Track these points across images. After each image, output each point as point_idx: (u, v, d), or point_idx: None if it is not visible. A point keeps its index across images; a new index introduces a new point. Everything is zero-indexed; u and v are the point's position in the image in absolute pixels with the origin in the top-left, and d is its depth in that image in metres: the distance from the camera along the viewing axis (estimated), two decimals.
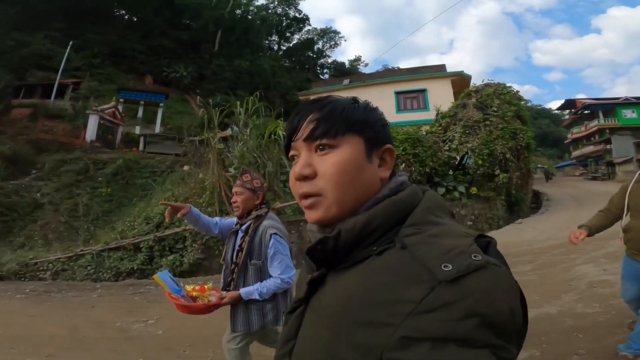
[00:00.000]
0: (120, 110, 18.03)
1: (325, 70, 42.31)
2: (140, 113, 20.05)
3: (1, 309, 5.20)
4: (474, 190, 9.66)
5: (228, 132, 14.40)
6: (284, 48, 42.29)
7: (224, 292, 1.91)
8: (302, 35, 42.66)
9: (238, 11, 37.31)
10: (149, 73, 27.80)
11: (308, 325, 0.57)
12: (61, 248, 9.06)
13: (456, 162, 10.27)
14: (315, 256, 0.57)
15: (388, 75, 16.67)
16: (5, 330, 4.15)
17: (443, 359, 0.40)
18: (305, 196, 0.58)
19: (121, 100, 18.89)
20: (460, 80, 14.81)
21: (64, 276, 7.68)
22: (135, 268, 7.42)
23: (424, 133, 10.39)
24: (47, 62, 22.52)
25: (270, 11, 39.69)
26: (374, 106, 0.65)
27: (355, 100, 0.63)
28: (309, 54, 42.54)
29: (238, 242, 1.99)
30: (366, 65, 45.91)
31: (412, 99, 15.45)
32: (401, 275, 0.46)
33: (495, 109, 10.52)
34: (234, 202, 2.03)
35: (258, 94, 10.61)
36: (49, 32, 25.17)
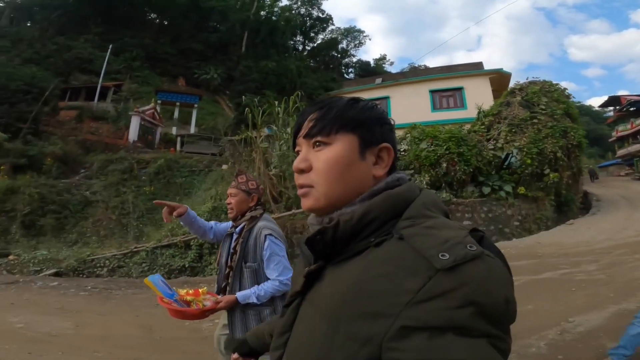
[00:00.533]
0: (158, 111, 18.68)
1: (350, 70, 42.12)
2: (176, 114, 20.69)
3: (70, 307, 5.29)
4: (521, 190, 9.38)
5: (264, 131, 14.68)
6: (309, 48, 42.41)
7: (219, 296, 1.85)
8: (326, 35, 42.66)
9: (262, 13, 37.78)
10: (181, 75, 28.60)
11: (305, 318, 0.58)
12: (115, 245, 9.49)
13: (500, 162, 10.00)
14: (314, 246, 0.58)
15: (422, 73, 16.41)
16: (82, 331, 4.19)
17: (441, 347, 0.40)
18: (301, 186, 0.62)
19: (159, 101, 19.56)
20: (498, 78, 14.39)
21: (119, 273, 7.99)
22: (187, 265, 7.66)
23: (466, 131, 10.18)
24: (88, 66, 23.62)
25: (293, 12, 39.93)
26: (373, 105, 0.66)
27: (354, 100, 0.65)
28: (333, 54, 42.45)
29: (232, 244, 1.93)
30: (392, 63, 45.40)
31: (448, 98, 15.16)
32: (399, 265, 0.47)
33: (543, 107, 10.17)
34: (228, 204, 1.98)
35: (299, 93, 10.72)
36: (89, 37, 26.38)
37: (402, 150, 10.22)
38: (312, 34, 42.12)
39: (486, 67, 16.30)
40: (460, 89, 14.78)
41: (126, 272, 7.90)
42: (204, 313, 1.73)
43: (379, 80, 17.24)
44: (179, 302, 1.66)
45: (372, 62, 43.86)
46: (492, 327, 0.42)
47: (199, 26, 33.24)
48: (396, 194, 0.57)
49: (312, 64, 39.57)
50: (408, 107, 15.09)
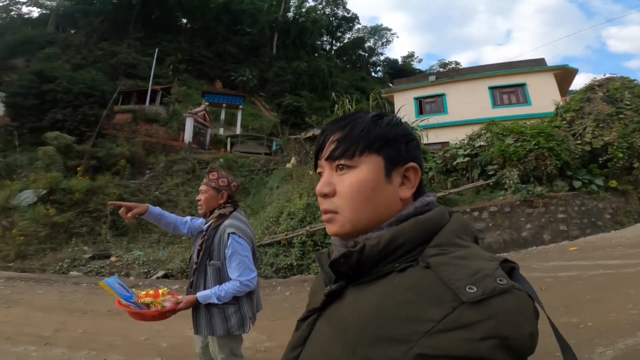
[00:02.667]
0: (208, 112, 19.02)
1: (378, 68, 42.05)
2: (222, 115, 21.02)
3: None
4: (613, 183, 9.30)
5: (314, 131, 14.77)
6: (335, 48, 42.55)
7: (180, 297, 1.83)
8: (352, 34, 42.76)
9: (290, 14, 38.15)
10: (218, 78, 29.06)
11: (320, 335, 0.57)
12: None
13: (588, 156, 9.86)
14: (337, 269, 0.57)
15: (477, 70, 16.25)
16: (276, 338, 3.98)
17: None
18: (325, 212, 0.60)
19: (206, 103, 19.91)
20: (563, 74, 14.12)
21: None
22: (294, 264, 7.69)
23: (550, 127, 10.06)
24: (133, 70, 24.26)
25: (319, 12, 40.18)
26: (399, 121, 0.63)
27: (379, 116, 0.62)
28: (360, 53, 42.48)
29: (199, 241, 1.92)
30: (420, 61, 45.24)
31: (509, 94, 14.96)
32: (424, 294, 0.46)
33: (627, 102, 10.04)
34: (198, 200, 1.97)
35: (379, 92, 10.76)
36: (130, 42, 27.09)
37: (477, 146, 10.17)
38: (338, 34, 42.35)
39: (520, 58, 16.01)
40: (522, 85, 14.56)
41: None
42: (163, 314, 1.70)
43: (432, 78, 17.13)
44: (137, 304, 1.64)
45: (399, 60, 43.64)
46: None
47: (231, 29, 33.79)
48: (427, 219, 0.55)
49: (339, 64, 39.70)
50: (465, 104, 14.95)
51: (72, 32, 27.78)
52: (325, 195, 0.60)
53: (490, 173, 9.56)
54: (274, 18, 34.70)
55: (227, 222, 1.86)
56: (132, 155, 14.12)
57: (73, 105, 15.50)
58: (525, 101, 14.36)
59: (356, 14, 42.77)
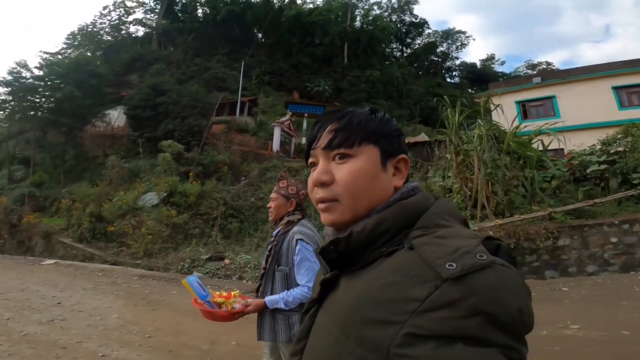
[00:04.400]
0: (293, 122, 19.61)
1: (454, 74, 40.01)
2: (304, 125, 21.57)
3: None
4: None
5: (421, 137, 14.22)
6: (406, 54, 41.55)
7: (250, 300, 1.86)
8: (422, 39, 41.39)
9: (357, 23, 38.27)
10: (294, 89, 30.08)
11: (320, 325, 0.58)
12: None
13: None
14: (327, 256, 0.57)
15: (578, 72, 14.34)
16: None
17: (450, 356, 0.40)
18: (322, 200, 0.60)
19: (290, 113, 20.58)
20: None
21: None
22: None
23: None
24: (223, 84, 26.24)
25: (385, 20, 39.67)
26: (390, 117, 0.65)
27: (372, 110, 0.64)
28: (432, 58, 40.86)
29: (269, 247, 1.96)
30: (502, 63, 41.93)
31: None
32: (407, 274, 0.47)
33: None
34: (269, 208, 1.99)
35: (491, 96, 9.93)
36: (219, 57, 29.43)
37: (613, 152, 8.74)
38: (408, 40, 41.38)
39: (622, 58, 13.53)
40: None
41: None
42: (232, 315, 1.75)
43: (537, 80, 15.57)
44: (211, 303, 1.70)
45: (478, 64, 41.01)
46: (504, 337, 0.41)
47: (303, 41, 34.95)
48: (410, 203, 0.57)
49: (412, 71, 38.66)
50: (583, 106, 13.22)
51: (171, 49, 31.17)
52: (323, 184, 0.60)
53: (635, 182, 8.12)
54: (343, 28, 35.09)
55: (295, 228, 1.90)
56: (232, 163, 15.04)
57: (181, 116, 17.12)
58: None
59: (425, 19, 41.41)
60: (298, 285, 1.83)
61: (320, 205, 0.61)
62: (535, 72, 35.28)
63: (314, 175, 0.62)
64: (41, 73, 16.92)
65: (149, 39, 31.80)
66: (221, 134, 18.55)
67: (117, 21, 31.92)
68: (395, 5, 40.77)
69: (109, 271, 7.40)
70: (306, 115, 21.88)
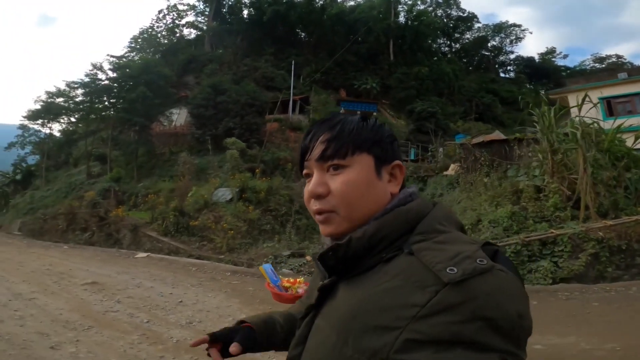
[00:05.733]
0: None
1: (509, 68, 37.86)
2: None
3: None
4: None
5: (495, 135, 13.49)
6: (454, 50, 39.93)
7: None
8: (472, 34, 39.52)
9: (400, 19, 37.26)
10: (341, 87, 29.87)
11: (317, 331, 0.58)
12: None
13: None
14: (326, 262, 0.57)
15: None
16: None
17: None
18: (319, 212, 0.59)
19: (342, 110, 20.40)
20: None
21: None
22: None
23: None
24: (271, 83, 26.62)
25: (430, 15, 38.26)
26: (381, 123, 0.65)
27: (363, 118, 0.64)
28: (483, 53, 38.92)
29: None
30: (565, 57, 38.98)
31: None
32: (408, 280, 0.47)
33: None
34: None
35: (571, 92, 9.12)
36: (267, 57, 29.92)
37: None
38: (456, 35, 39.71)
39: None
40: None
41: None
42: (295, 298, 1.74)
43: (623, 75, 14.28)
44: (280, 287, 1.81)
45: (536, 58, 38.48)
46: (503, 342, 0.41)
47: (347, 39, 34.63)
48: (408, 209, 0.57)
49: (461, 66, 37.11)
50: None
51: (220, 50, 32.13)
52: (319, 196, 0.59)
53: None
54: (387, 25, 34.31)
55: None
56: (292, 160, 15.15)
57: (240, 114, 17.54)
58: None
59: (473, 13, 39.48)
60: None
61: (318, 217, 0.60)
62: (604, 65, 32.50)
63: (310, 187, 0.61)
64: (114, 75, 18.04)
65: (202, 41, 33.01)
66: (276, 131, 18.78)
67: (172, 24, 33.47)
68: (440, 0, 39.32)
69: (200, 266, 7.58)
70: (358, 112, 21.54)
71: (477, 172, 11.63)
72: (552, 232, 6.91)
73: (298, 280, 1.99)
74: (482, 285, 0.42)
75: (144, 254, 8.71)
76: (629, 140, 8.56)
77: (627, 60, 34.04)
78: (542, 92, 33.05)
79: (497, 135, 12.53)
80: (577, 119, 8.70)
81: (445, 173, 13.03)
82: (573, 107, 8.47)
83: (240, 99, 17.93)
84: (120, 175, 15.67)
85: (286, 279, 2.02)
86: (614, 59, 33.89)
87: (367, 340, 0.46)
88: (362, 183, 0.58)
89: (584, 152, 7.60)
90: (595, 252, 6.34)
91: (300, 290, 1.96)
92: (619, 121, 8.90)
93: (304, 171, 0.64)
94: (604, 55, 35.23)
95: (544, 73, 33.79)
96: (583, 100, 9.33)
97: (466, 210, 9.49)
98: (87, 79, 17.56)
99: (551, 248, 6.79)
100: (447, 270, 0.44)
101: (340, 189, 0.58)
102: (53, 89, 19.97)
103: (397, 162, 0.62)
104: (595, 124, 8.81)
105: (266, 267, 2.01)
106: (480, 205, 9.24)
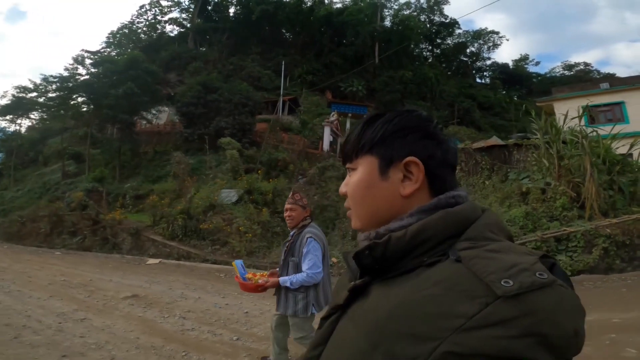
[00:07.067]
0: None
1: (485, 74, 39.57)
2: (348, 125, 21.35)
3: None
4: None
5: (494, 140, 13.96)
6: (435, 55, 41.24)
7: (270, 279, 2.48)
8: (453, 39, 41.03)
9: (386, 23, 38.04)
10: (327, 89, 29.88)
11: (342, 333, 0.55)
12: None
13: None
14: (361, 261, 0.55)
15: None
16: None
17: None
18: (347, 209, 0.63)
19: (333, 112, 20.40)
20: None
21: None
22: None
23: None
24: (258, 83, 26.12)
25: (415, 19, 39.36)
26: (395, 117, 0.60)
27: (374, 116, 0.62)
28: (461, 58, 40.48)
29: (287, 244, 2.56)
30: (537, 64, 41.20)
31: None
32: (453, 288, 0.43)
33: None
34: (289, 216, 2.50)
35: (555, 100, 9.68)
36: (254, 57, 29.36)
37: None
38: (438, 40, 41.03)
39: None
40: None
41: None
42: (257, 287, 2.42)
43: (605, 85, 15.35)
44: (245, 279, 2.41)
45: (510, 64, 40.45)
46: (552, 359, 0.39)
47: (334, 41, 34.77)
48: (456, 212, 0.53)
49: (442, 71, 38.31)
50: None
51: (204, 49, 31.15)
52: (344, 195, 0.63)
53: None
54: (373, 28, 34.87)
55: (307, 229, 2.45)
56: (292, 161, 14.89)
57: (233, 114, 17.02)
58: None
59: (455, 19, 41.01)
60: (302, 271, 2.40)
61: (348, 213, 0.63)
62: (572, 72, 34.72)
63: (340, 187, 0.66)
64: (95, 70, 16.91)
65: (185, 38, 31.83)
66: (265, 132, 18.45)
67: (153, 20, 32.00)
68: (425, 6, 40.51)
69: (226, 271, 7.15)
70: (349, 115, 21.68)
71: (478, 175, 12.06)
72: (565, 230, 7.38)
73: (260, 273, 2.59)
74: (541, 301, 0.40)
75: (156, 260, 8.16)
76: (622, 149, 9.21)
77: (594, 68, 36.80)
78: (515, 97, 34.98)
79: (496, 140, 13.02)
80: (579, 127, 9.26)
81: None
82: (574, 117, 9.00)
83: (232, 98, 17.42)
84: (104, 174, 14.68)
85: (252, 272, 2.58)
86: (582, 67, 36.44)
87: (400, 348, 0.43)
88: (361, 185, 0.59)
89: (591, 158, 8.15)
90: (605, 247, 6.85)
91: (260, 281, 2.46)
92: (605, 129, 9.62)
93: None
94: (572, 63, 37.76)
95: (518, 79, 35.68)
96: (584, 111, 9.89)
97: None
98: (66, 74, 16.32)
99: (565, 244, 7.28)
100: (502, 282, 0.41)
101: (348, 190, 0.61)
102: (26, 84, 18.40)
103: (411, 158, 0.56)
104: (594, 133, 9.40)
105: (237, 262, 2.54)
106: (491, 206, 9.56)
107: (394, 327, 0.45)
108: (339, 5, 37.97)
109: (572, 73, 34.81)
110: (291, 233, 2.55)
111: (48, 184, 16.74)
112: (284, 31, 37.44)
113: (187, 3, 32.85)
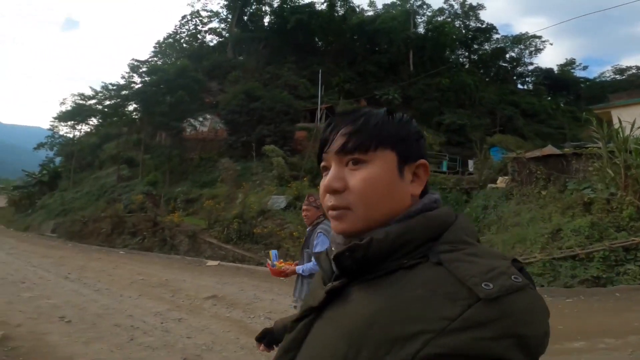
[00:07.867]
0: None
1: (526, 79, 38.06)
2: None
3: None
4: None
5: (550, 149, 13.46)
6: (472, 60, 40.26)
7: (290, 267, 2.89)
8: (491, 45, 39.89)
9: (420, 30, 37.62)
10: (362, 97, 29.89)
11: (319, 337, 0.53)
12: None
13: None
14: (342, 263, 0.53)
15: None
16: None
17: None
18: (334, 208, 0.56)
19: None
20: None
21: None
22: (590, 277, 6.97)
23: None
24: (295, 91, 26.61)
25: (450, 25, 38.63)
26: (409, 119, 0.61)
27: (389, 111, 0.60)
28: (500, 64, 39.24)
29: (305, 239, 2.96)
30: (584, 68, 39.08)
31: None
32: (436, 291, 0.45)
33: None
34: (305, 216, 2.87)
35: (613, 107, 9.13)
36: (290, 65, 30.00)
37: None
38: (475, 46, 40.03)
39: None
40: None
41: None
42: (280, 273, 2.83)
43: None
44: (274, 265, 2.86)
45: (555, 69, 38.65)
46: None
47: (368, 49, 34.83)
48: (435, 216, 0.54)
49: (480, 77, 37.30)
50: None
51: (241, 57, 32.21)
52: (335, 191, 0.55)
53: None
54: (407, 35, 34.58)
55: (320, 226, 2.70)
56: None
57: (275, 122, 17.48)
58: None
59: (492, 24, 39.88)
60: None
61: (332, 213, 0.56)
62: (624, 76, 32.63)
63: (326, 181, 0.57)
64: (148, 79, 17.99)
65: (224, 48, 33.12)
66: (304, 140, 18.72)
67: (194, 30, 33.63)
68: (459, 12, 39.81)
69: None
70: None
71: (532, 185, 11.68)
72: (634, 240, 7.11)
73: (287, 262, 3.02)
74: (517, 303, 0.42)
75: (214, 262, 8.49)
76: None
77: None
78: (562, 103, 33.29)
79: (552, 149, 12.52)
80: None
81: (494, 185, 12.96)
82: None
83: (274, 107, 17.89)
84: (157, 179, 15.51)
85: (281, 261, 2.98)
86: (634, 70, 34.13)
87: (385, 351, 0.43)
88: (382, 181, 0.55)
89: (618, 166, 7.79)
90: None
91: (283, 267, 2.84)
92: None
93: (322, 164, 0.60)
94: (624, 67, 35.48)
95: (564, 85, 33.96)
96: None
97: (534, 220, 9.53)
98: (122, 82, 17.49)
99: (634, 254, 7.07)
100: (483, 285, 0.42)
101: (359, 186, 0.54)
102: (86, 92, 19.89)
103: (423, 161, 0.58)
104: None
105: (273, 252, 3.03)
106: (551, 216, 9.25)
107: (377, 330, 0.45)
108: (370, 13, 38.19)
109: (624, 77, 32.60)
110: (307, 229, 2.92)
111: (104, 187, 17.90)
112: (317, 40, 38.04)
113: (224, 13, 34.28)
